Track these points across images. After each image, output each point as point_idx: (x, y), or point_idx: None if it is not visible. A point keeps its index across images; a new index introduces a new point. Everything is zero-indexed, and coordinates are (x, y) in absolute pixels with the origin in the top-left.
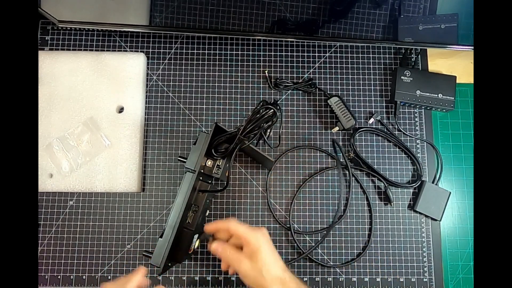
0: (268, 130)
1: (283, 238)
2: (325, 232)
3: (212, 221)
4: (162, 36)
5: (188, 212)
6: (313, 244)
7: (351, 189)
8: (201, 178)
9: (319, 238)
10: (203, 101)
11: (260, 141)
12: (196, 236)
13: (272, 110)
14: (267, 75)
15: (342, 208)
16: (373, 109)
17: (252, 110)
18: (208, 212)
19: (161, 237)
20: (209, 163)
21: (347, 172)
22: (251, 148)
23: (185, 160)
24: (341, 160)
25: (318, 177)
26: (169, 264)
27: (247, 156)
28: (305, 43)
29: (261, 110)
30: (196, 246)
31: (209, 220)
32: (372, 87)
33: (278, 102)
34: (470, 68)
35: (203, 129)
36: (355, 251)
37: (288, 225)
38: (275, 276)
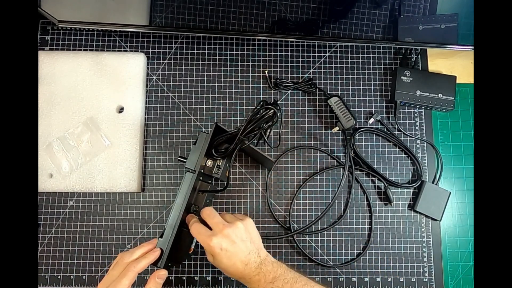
0: (268, 130)
1: (283, 238)
2: (325, 232)
3: None
4: (162, 36)
5: (188, 212)
6: (313, 244)
7: (351, 189)
8: (201, 178)
9: (319, 238)
10: (203, 101)
11: (260, 141)
12: None
13: (272, 110)
14: (267, 75)
15: (342, 208)
16: (373, 109)
17: (252, 110)
18: None
19: (161, 237)
20: (209, 163)
21: (347, 172)
22: (251, 148)
23: (185, 160)
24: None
25: (318, 177)
26: (169, 264)
27: (247, 156)
28: (305, 43)
29: (261, 110)
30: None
31: None
32: (372, 87)
33: (278, 102)
34: (470, 68)
35: (203, 129)
36: (355, 251)
37: (288, 225)
38: (234, 275)
